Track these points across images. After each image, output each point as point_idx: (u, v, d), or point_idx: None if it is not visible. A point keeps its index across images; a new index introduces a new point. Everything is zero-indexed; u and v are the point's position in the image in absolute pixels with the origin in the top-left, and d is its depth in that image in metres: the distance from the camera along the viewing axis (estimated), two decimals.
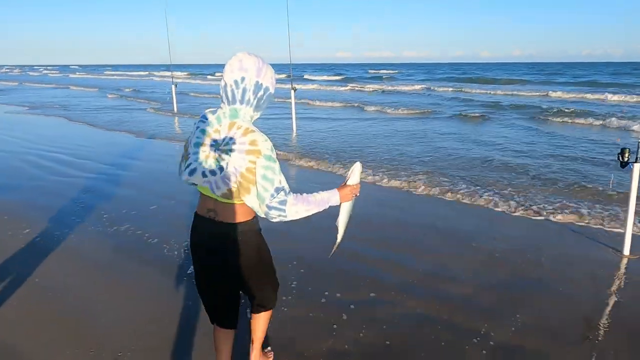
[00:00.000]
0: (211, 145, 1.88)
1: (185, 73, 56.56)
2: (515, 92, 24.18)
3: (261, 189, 1.82)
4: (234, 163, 1.82)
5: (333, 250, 2.23)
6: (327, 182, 6.40)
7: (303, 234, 4.39)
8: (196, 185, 1.93)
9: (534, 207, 5.24)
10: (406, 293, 3.33)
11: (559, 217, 4.94)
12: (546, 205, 5.30)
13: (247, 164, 1.81)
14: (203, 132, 1.90)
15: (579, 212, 5.04)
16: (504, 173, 6.89)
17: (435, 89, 27.39)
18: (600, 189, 5.93)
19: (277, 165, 1.86)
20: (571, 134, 10.78)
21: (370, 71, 58.25)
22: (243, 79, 1.85)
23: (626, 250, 4.05)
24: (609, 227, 4.65)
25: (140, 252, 4.00)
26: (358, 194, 2.07)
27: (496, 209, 5.22)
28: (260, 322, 2.34)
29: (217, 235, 1.94)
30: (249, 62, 1.86)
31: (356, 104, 18.29)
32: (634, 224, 4.12)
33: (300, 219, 1.90)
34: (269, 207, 1.83)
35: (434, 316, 3.03)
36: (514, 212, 5.13)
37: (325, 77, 43.26)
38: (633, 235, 4.05)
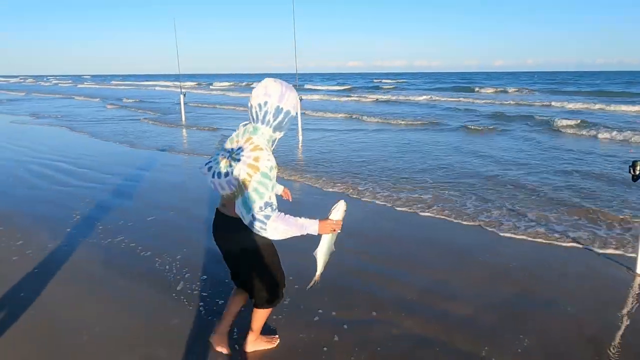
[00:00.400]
0: (228, 152, 2.19)
1: (193, 83, 56.91)
2: (521, 102, 23.69)
3: (250, 200, 2.06)
4: (236, 172, 2.09)
5: (311, 284, 2.44)
6: (323, 199, 6.28)
7: (305, 249, 4.24)
8: None
9: (542, 228, 5.04)
10: (403, 312, 3.16)
11: (569, 235, 4.72)
12: (555, 225, 5.09)
13: (245, 175, 2.08)
14: (230, 139, 2.26)
15: (591, 230, 4.82)
16: (510, 189, 6.68)
17: (439, 98, 26.77)
18: (613, 205, 5.70)
19: (271, 183, 2.11)
20: (582, 147, 10.47)
21: (375, 80, 57.79)
22: (266, 103, 2.15)
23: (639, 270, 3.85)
24: (620, 246, 4.43)
25: (131, 266, 3.89)
26: (339, 231, 2.23)
27: (501, 227, 5.02)
28: (255, 315, 2.58)
29: (223, 226, 2.32)
30: (273, 88, 2.15)
31: (355, 115, 17.66)
32: None
33: (281, 238, 2.14)
34: (254, 218, 2.08)
35: (432, 337, 2.87)
36: (520, 230, 4.94)
37: (327, 87, 43.09)
38: None
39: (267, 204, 2.06)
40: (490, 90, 34.53)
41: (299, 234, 2.12)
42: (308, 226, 2.13)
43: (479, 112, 18.51)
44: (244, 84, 51.66)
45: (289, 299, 3.35)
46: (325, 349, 2.75)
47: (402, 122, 15.35)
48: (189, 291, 3.43)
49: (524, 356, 2.69)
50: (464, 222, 5.05)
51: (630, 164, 3.77)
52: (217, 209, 2.38)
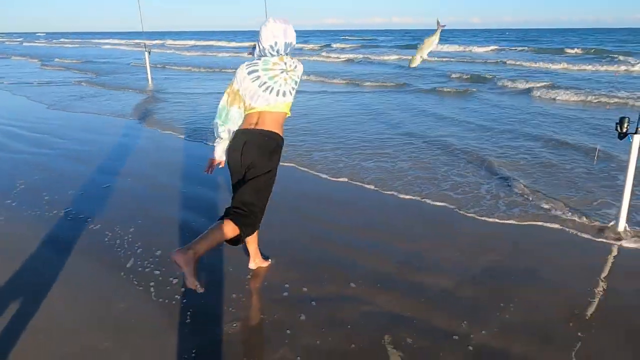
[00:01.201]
0: (280, 71, 2.57)
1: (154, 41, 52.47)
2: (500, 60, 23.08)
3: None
4: (297, 77, 2.66)
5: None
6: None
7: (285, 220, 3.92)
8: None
9: (517, 195, 4.83)
10: (376, 287, 2.91)
11: (545, 205, 4.50)
12: (530, 195, 4.89)
13: (298, 78, 2.67)
14: (265, 69, 2.55)
15: (568, 196, 4.64)
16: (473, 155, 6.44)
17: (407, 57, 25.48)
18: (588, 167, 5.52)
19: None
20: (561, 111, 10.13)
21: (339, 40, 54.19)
22: (276, 43, 2.52)
23: (621, 227, 3.68)
24: (601, 208, 4.26)
25: (76, 242, 3.49)
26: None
27: (482, 196, 4.79)
28: (227, 228, 2.49)
29: (263, 139, 2.60)
30: (290, 30, 2.54)
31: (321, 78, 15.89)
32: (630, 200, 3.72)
33: None
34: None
35: (407, 315, 2.62)
36: (495, 200, 4.72)
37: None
38: (630, 211, 3.68)
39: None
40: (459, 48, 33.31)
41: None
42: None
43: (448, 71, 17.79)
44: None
45: (251, 273, 3.06)
46: (288, 331, 2.48)
47: (370, 84, 14.35)
48: (140, 269, 3.08)
49: (504, 333, 2.48)
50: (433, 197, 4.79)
51: (617, 121, 3.53)
52: (244, 130, 2.58)
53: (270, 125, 2.57)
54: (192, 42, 46.14)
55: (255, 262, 3.09)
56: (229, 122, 2.60)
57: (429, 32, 2.96)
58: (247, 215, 2.54)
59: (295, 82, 2.62)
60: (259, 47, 2.55)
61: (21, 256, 3.29)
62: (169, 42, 47.95)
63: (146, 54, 14.48)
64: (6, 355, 2.29)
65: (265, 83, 2.54)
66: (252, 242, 3.01)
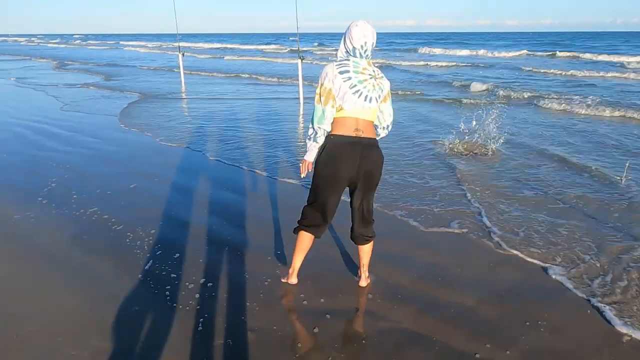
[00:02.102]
0: (369, 76, 2.55)
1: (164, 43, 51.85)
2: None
3: (391, 107, 2.75)
4: (385, 87, 2.64)
5: None
6: None
7: (278, 221, 3.89)
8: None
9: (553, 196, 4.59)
10: (393, 301, 2.80)
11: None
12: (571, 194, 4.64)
13: (388, 89, 2.66)
14: (355, 72, 2.53)
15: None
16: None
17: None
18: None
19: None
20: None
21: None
22: (373, 43, 2.57)
23: None
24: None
25: (98, 242, 3.54)
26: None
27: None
28: (371, 246, 2.92)
29: (367, 148, 2.61)
30: (373, 30, 2.55)
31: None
32: None
33: None
34: (391, 121, 2.79)
35: (423, 333, 2.50)
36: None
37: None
38: None
39: None
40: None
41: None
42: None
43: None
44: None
45: (269, 280, 3.01)
46: (299, 345, 2.41)
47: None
48: (157, 272, 3.09)
49: (532, 355, 2.32)
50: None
51: None
52: (345, 139, 2.53)
53: (372, 132, 2.60)
54: (207, 45, 46.72)
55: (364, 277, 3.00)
56: (324, 123, 2.53)
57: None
58: (373, 222, 2.83)
59: (382, 90, 2.58)
60: (347, 46, 2.54)
61: (43, 254, 3.37)
62: (187, 44, 48.63)
63: (179, 56, 14.74)
64: (15, 354, 2.32)
65: (355, 86, 2.50)
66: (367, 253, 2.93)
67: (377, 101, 2.56)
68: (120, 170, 5.39)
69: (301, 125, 8.16)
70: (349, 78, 2.50)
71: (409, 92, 12.43)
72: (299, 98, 10.60)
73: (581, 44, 43.08)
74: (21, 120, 8.40)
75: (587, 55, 26.61)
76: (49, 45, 53.86)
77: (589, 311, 2.73)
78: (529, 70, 18.59)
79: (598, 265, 3.25)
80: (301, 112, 9.46)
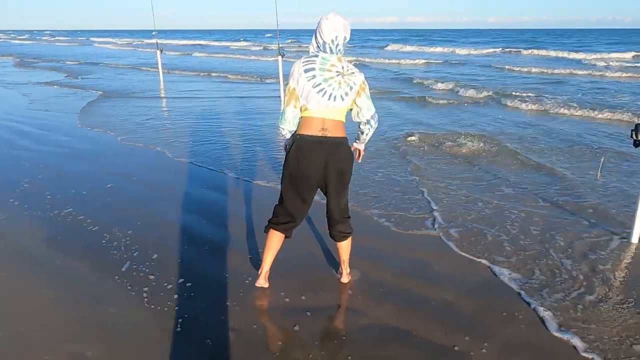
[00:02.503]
0: (336, 73, 2.48)
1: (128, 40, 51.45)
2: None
3: (370, 100, 2.63)
4: (357, 82, 2.54)
5: None
6: None
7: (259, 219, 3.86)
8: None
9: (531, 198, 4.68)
10: (374, 298, 2.81)
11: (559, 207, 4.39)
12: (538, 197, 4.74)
13: (361, 83, 2.56)
14: (321, 69, 2.47)
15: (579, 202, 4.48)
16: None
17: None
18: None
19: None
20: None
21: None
22: (345, 37, 2.48)
23: (635, 239, 3.54)
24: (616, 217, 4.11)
25: (73, 244, 3.45)
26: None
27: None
28: (349, 243, 2.90)
29: (333, 148, 2.57)
30: (346, 24, 2.47)
31: None
32: None
33: None
34: (375, 113, 2.69)
35: (404, 329, 2.52)
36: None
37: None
38: None
39: None
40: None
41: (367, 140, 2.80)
42: None
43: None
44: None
45: (250, 278, 2.98)
46: (279, 342, 2.40)
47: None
48: (134, 273, 3.03)
49: (508, 349, 2.37)
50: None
51: (633, 128, 3.39)
52: (309, 138, 2.49)
53: (339, 131, 2.54)
54: (181, 42, 45.92)
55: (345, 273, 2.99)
56: (285, 123, 2.53)
57: None
58: (349, 218, 2.82)
59: (350, 88, 2.49)
60: (318, 41, 2.47)
61: (16, 256, 3.28)
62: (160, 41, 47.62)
63: (158, 52, 14.40)
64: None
65: (319, 84, 2.45)
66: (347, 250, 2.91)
67: (342, 99, 2.48)
68: (95, 170, 5.28)
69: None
70: (314, 77, 2.45)
71: (372, 90, 12.37)
72: (280, 96, 10.52)
73: (554, 40, 44.27)
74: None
75: (552, 53, 26.93)
76: (15, 41, 52.21)
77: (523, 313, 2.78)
78: (501, 67, 18.86)
79: (561, 269, 3.33)
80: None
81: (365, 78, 2.59)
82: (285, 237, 2.77)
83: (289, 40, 42.77)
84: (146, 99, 10.77)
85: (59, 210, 4.05)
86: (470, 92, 11.78)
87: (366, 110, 2.58)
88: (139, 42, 44.64)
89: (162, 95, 11.76)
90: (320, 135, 2.49)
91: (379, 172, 5.20)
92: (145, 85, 13.54)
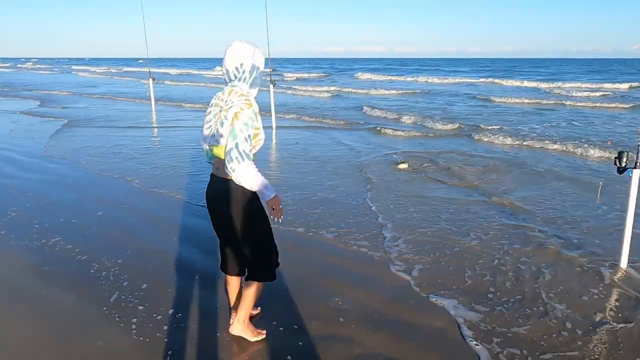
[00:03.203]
0: (219, 109, 2.30)
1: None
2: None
3: (237, 130, 2.20)
4: (230, 113, 2.23)
5: None
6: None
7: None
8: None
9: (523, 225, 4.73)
10: (367, 326, 2.78)
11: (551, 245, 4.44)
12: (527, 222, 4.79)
13: (237, 109, 2.21)
14: (213, 104, 2.34)
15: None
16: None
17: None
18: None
19: (257, 124, 2.28)
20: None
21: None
22: (242, 64, 2.29)
23: (623, 264, 3.57)
24: (604, 242, 4.15)
25: (61, 274, 3.40)
26: (275, 214, 2.33)
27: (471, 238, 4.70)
28: (246, 291, 2.52)
29: (217, 188, 2.38)
30: (245, 50, 2.29)
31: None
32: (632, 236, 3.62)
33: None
34: (237, 147, 2.18)
35: (396, 357, 2.50)
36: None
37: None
38: (632, 248, 3.57)
39: (249, 138, 2.21)
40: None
41: (258, 189, 2.28)
42: (268, 190, 2.28)
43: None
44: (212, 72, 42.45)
45: None
46: None
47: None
48: (123, 304, 2.98)
49: None
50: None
51: (616, 156, 3.48)
52: (211, 174, 2.41)
53: (224, 172, 2.27)
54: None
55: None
56: (208, 162, 2.43)
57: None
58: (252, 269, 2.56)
59: (222, 124, 2.22)
60: (223, 70, 2.33)
61: (1, 287, 3.20)
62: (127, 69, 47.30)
63: (150, 80, 14.53)
64: None
65: (208, 122, 2.33)
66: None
67: (213, 138, 2.27)
68: (84, 198, 5.23)
69: (274, 155, 8.09)
70: (208, 112, 2.36)
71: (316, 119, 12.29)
72: (271, 127, 10.51)
73: (531, 70, 45.48)
74: None
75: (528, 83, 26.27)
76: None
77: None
78: (475, 97, 18.78)
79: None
80: (274, 141, 9.22)
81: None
82: (237, 275, 2.67)
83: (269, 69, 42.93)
84: (138, 129, 10.77)
85: (47, 240, 3.99)
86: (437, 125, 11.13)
87: (228, 144, 2.20)
88: (117, 71, 44.70)
89: (154, 125, 11.78)
90: (213, 173, 2.39)
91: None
92: (135, 114, 13.52)
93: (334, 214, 4.69)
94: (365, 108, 14.39)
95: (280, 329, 2.74)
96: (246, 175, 2.20)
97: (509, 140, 9.09)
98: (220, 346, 2.57)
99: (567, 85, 24.55)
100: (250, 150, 2.25)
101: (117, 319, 2.82)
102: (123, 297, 3.06)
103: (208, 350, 2.53)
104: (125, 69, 47.85)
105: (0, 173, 6.29)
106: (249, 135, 2.21)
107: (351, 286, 3.26)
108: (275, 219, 2.34)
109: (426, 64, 68.24)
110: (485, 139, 9.32)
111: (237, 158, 2.16)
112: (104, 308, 2.93)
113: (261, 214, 2.43)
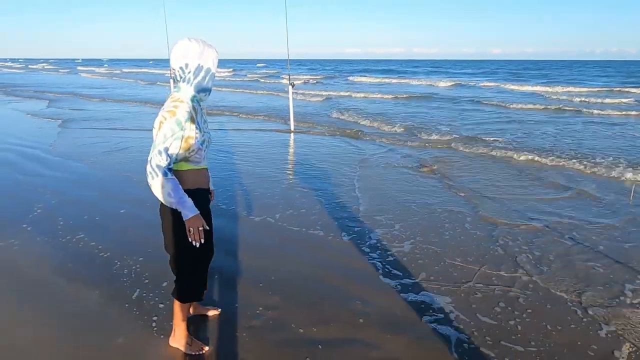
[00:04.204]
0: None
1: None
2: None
3: (156, 141, 2.09)
4: (157, 121, 2.13)
5: None
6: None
7: (273, 246, 3.88)
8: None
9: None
10: (386, 331, 2.75)
11: None
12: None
13: (161, 118, 2.10)
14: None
15: None
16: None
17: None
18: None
19: (181, 134, 2.10)
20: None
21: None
22: (187, 65, 2.15)
23: None
24: None
25: (84, 270, 3.45)
26: (192, 236, 2.15)
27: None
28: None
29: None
30: (191, 48, 2.14)
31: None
32: None
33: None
34: (151, 159, 2.09)
35: None
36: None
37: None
38: None
39: (166, 150, 2.07)
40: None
41: (173, 206, 2.12)
42: (186, 209, 2.12)
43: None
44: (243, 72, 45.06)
45: (261, 308, 2.95)
46: None
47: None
48: (144, 302, 3.01)
49: None
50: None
51: None
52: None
53: None
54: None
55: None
56: None
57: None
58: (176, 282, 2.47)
59: (154, 127, 2.13)
60: (170, 71, 2.21)
61: (26, 283, 3.27)
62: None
63: (171, 82, 14.74)
64: None
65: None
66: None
67: (154, 141, 2.13)
68: (107, 196, 5.31)
69: (291, 156, 8.12)
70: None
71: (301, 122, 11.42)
72: (289, 127, 10.59)
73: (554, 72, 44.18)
74: (3, 144, 8.32)
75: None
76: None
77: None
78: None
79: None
80: (292, 144, 9.20)
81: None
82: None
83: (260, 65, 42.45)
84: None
85: (72, 236, 4.07)
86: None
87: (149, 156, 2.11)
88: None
89: None
90: None
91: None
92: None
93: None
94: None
95: (300, 330, 2.73)
96: (158, 192, 2.09)
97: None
98: (241, 345, 2.57)
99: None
100: (189, 159, 2.17)
101: (137, 315, 2.85)
102: (144, 295, 3.10)
103: (228, 350, 2.54)
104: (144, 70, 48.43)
105: (28, 171, 6.45)
106: (165, 149, 2.06)
107: (373, 290, 3.22)
108: (194, 242, 2.15)
109: (441, 65, 67.09)
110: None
111: (150, 173, 2.08)
112: (126, 305, 2.97)
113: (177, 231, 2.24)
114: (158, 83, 27.94)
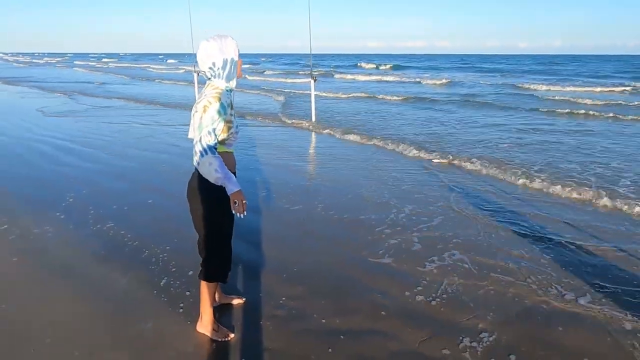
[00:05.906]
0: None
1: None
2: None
3: (204, 121, 2.24)
4: (200, 105, 2.27)
5: None
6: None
7: (295, 238, 3.94)
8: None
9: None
10: (406, 323, 2.77)
11: None
12: None
13: (206, 102, 2.26)
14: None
15: None
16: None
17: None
18: None
19: (226, 118, 2.29)
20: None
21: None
22: (214, 63, 2.32)
23: None
24: None
25: (114, 258, 3.58)
26: (237, 209, 2.32)
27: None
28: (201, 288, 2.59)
29: (192, 181, 2.47)
30: (212, 48, 2.31)
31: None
32: None
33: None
34: (201, 139, 2.24)
35: (433, 356, 2.47)
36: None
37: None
38: None
39: (214, 131, 2.24)
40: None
41: (219, 181, 2.27)
42: (231, 183, 2.29)
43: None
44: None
45: (284, 298, 3.01)
46: None
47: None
48: (172, 289, 3.11)
49: None
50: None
51: None
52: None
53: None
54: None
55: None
56: None
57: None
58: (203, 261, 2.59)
59: (192, 115, 2.30)
60: (200, 71, 2.42)
61: (59, 269, 3.42)
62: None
63: (195, 75, 15.00)
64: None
65: (192, 116, 2.34)
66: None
67: (192, 127, 2.32)
68: (135, 186, 5.47)
69: (312, 150, 8.16)
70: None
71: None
72: (310, 118, 10.66)
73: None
74: (36, 135, 8.62)
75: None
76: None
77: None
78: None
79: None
80: (313, 137, 9.35)
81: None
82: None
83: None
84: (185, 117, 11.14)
85: (102, 225, 4.22)
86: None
87: (195, 137, 2.29)
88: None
89: None
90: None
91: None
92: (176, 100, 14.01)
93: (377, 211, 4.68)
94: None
95: (322, 320, 2.78)
96: (208, 169, 2.24)
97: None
98: (265, 334, 2.64)
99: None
100: (226, 142, 2.36)
101: (165, 301, 2.95)
102: (172, 282, 3.20)
103: (252, 338, 2.61)
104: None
105: (61, 161, 6.69)
106: (214, 129, 2.24)
107: (392, 283, 3.25)
108: (238, 214, 2.33)
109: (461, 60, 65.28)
110: None
111: (200, 152, 2.24)
112: (154, 291, 3.08)
113: (221, 209, 2.41)
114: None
